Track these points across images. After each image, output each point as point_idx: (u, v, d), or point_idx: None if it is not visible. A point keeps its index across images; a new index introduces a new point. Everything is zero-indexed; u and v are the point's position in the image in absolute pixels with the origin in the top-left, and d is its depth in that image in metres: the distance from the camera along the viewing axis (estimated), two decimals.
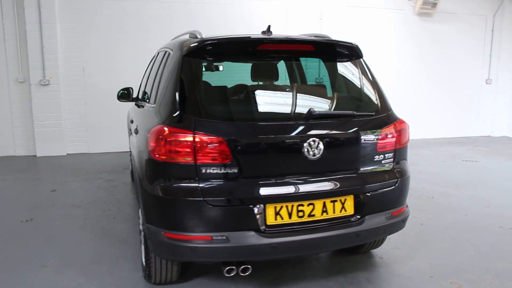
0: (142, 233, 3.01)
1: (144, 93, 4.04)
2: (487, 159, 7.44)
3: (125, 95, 4.93)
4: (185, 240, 2.39)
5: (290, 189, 2.51)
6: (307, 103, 2.88)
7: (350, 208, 2.66)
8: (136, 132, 3.24)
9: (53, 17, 7.16)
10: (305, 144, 2.51)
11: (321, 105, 2.87)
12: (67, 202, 4.88)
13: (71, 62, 7.44)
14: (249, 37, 2.79)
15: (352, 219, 2.67)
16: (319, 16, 8.44)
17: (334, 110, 2.84)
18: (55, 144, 7.48)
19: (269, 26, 2.95)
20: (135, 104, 4.64)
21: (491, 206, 4.75)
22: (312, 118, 2.60)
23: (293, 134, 2.56)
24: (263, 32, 2.99)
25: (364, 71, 3.01)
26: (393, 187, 2.80)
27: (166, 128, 2.44)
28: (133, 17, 7.60)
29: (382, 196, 2.76)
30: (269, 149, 2.52)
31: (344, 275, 3.15)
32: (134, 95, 4.69)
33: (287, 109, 2.83)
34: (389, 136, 2.80)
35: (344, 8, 8.64)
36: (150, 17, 7.66)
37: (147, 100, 3.43)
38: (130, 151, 5.55)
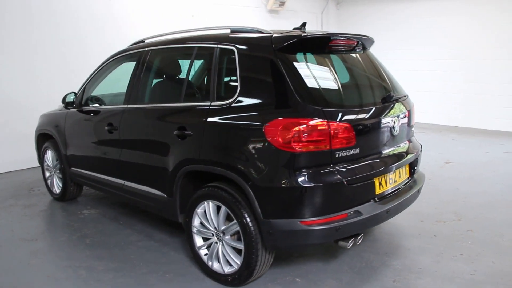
0: (241, 235, 2.84)
1: (141, 95, 3.78)
2: None
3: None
4: (327, 222, 2.62)
5: (389, 161, 3.06)
6: (381, 89, 3.38)
7: (408, 173, 3.37)
8: (184, 136, 3.12)
9: None
10: (393, 123, 3.07)
11: (387, 90, 3.33)
12: (11, 238, 4.04)
13: None
14: (334, 33, 3.07)
15: (411, 180, 3.39)
16: (191, 13, 8.63)
17: (394, 93, 3.34)
18: None
19: (304, 23, 3.20)
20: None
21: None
22: (389, 101, 3.14)
23: (387, 114, 3.07)
24: (296, 28, 3.21)
25: (376, 59, 3.57)
26: (421, 152, 3.61)
27: (302, 120, 2.58)
28: None
29: (416, 160, 3.50)
30: (376, 129, 2.98)
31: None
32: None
33: (376, 94, 3.30)
34: (413, 112, 3.54)
35: (211, 6, 9.03)
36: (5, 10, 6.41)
37: (194, 99, 3.40)
38: (60, 165, 4.81)
